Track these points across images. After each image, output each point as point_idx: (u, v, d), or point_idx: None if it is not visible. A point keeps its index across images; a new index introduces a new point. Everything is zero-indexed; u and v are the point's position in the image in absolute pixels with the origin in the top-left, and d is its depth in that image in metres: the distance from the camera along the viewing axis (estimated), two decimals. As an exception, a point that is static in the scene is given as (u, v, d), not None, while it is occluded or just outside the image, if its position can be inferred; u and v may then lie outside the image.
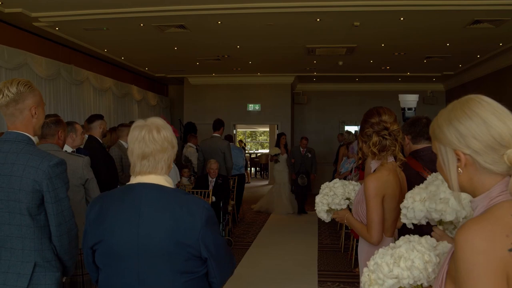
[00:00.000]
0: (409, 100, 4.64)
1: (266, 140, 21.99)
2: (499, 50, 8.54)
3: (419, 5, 5.97)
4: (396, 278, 1.34)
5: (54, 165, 2.03)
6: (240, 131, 20.78)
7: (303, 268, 5.85)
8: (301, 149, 9.39)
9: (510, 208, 1.03)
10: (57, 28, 7.19)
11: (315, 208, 2.61)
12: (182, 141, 10.10)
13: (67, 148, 3.66)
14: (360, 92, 13.19)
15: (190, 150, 8.96)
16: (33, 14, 6.42)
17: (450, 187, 1.16)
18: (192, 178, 7.96)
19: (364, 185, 2.33)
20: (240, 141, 17.37)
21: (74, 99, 8.48)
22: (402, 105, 4.64)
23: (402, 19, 6.54)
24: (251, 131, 24.24)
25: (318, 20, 6.71)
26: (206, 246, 1.63)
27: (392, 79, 12.43)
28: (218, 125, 7.51)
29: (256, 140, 24.83)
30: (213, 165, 6.92)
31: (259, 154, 18.91)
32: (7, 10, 6.16)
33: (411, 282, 1.33)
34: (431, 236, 1.49)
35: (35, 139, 2.14)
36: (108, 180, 4.34)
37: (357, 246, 2.65)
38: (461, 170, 1.12)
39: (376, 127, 2.31)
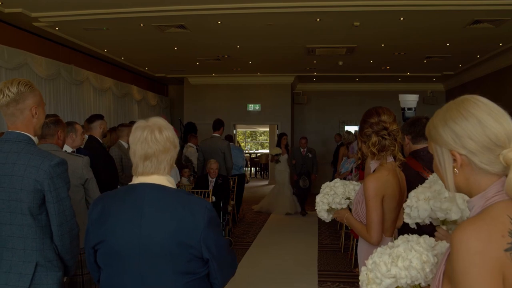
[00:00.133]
0: (409, 100, 4.64)
1: (266, 140, 21.99)
2: (499, 50, 8.54)
3: (419, 5, 5.97)
4: (393, 277, 1.34)
5: (55, 164, 2.04)
6: (240, 131, 20.78)
7: (303, 268, 5.85)
8: (302, 150, 9.35)
9: (506, 208, 1.03)
10: (57, 28, 7.19)
11: (315, 208, 2.61)
12: (183, 141, 10.10)
13: (67, 148, 3.66)
14: (360, 92, 13.19)
15: (191, 150, 8.96)
16: (33, 14, 6.42)
17: (446, 187, 1.16)
18: (192, 178, 7.96)
19: (364, 185, 2.33)
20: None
21: (74, 99, 8.48)
22: (402, 105, 4.64)
23: (402, 19, 6.54)
24: (251, 131, 24.24)
25: (318, 20, 6.72)
26: (208, 247, 1.62)
27: (392, 79, 12.43)
28: (218, 125, 7.52)
29: (256, 140, 24.82)
30: (213, 165, 6.93)
31: (259, 154, 18.90)
32: (7, 10, 6.17)
33: (409, 282, 1.33)
34: (435, 236, 1.49)
35: (35, 139, 2.15)
36: (108, 180, 4.34)
37: (357, 246, 2.65)
38: (457, 171, 1.12)
39: (375, 127, 2.32)
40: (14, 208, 2.00)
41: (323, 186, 2.61)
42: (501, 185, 1.07)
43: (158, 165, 1.68)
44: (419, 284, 1.35)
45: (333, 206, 2.52)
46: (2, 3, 5.92)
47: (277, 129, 13.15)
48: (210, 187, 6.82)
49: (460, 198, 1.43)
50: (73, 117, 7.98)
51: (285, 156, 9.50)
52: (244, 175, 9.08)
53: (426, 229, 1.73)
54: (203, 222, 1.62)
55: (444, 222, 1.64)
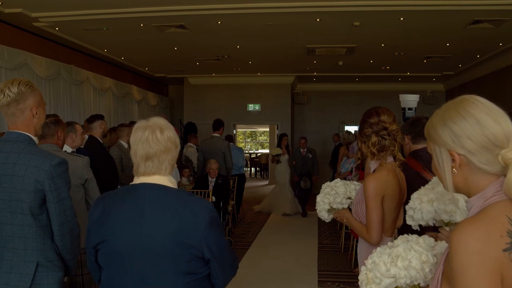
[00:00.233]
0: (410, 100, 4.63)
1: (266, 140, 21.99)
2: (499, 50, 8.54)
3: (419, 5, 5.97)
4: (393, 277, 1.34)
5: (56, 164, 2.04)
6: (240, 131, 20.78)
7: (303, 268, 5.85)
8: (301, 150, 9.32)
9: (504, 208, 1.03)
10: (57, 28, 7.19)
11: (315, 208, 2.61)
12: (183, 141, 10.10)
13: (67, 148, 3.66)
14: (360, 92, 13.18)
15: (191, 150, 8.96)
16: (33, 14, 6.42)
17: (445, 187, 1.16)
18: (191, 178, 7.96)
19: (364, 185, 2.33)
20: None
21: (74, 99, 8.48)
22: (402, 105, 4.64)
23: (402, 19, 6.54)
24: (251, 131, 24.24)
25: (318, 20, 6.72)
26: (209, 247, 1.62)
27: (392, 79, 12.43)
28: (218, 125, 7.51)
29: (256, 140, 24.83)
30: (213, 165, 6.93)
31: (259, 154, 18.90)
32: (7, 10, 6.17)
33: (408, 281, 1.33)
34: (437, 237, 1.49)
35: (35, 139, 2.15)
36: (108, 180, 4.34)
37: (357, 246, 2.65)
38: (455, 171, 1.12)
39: (375, 127, 2.31)
40: (15, 208, 2.00)
41: (324, 186, 2.60)
42: (499, 185, 1.07)
43: (159, 165, 1.67)
44: (419, 284, 1.35)
45: (334, 206, 2.52)
46: (2, 3, 5.92)
47: (277, 129, 13.14)
48: (210, 187, 6.82)
49: (463, 200, 1.42)
50: (73, 117, 7.99)
51: (286, 156, 9.45)
52: (244, 175, 9.06)
53: (426, 229, 1.73)
54: (204, 223, 1.62)
55: (448, 224, 1.63)
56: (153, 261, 1.61)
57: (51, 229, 2.07)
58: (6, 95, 2.04)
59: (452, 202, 1.57)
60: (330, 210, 2.55)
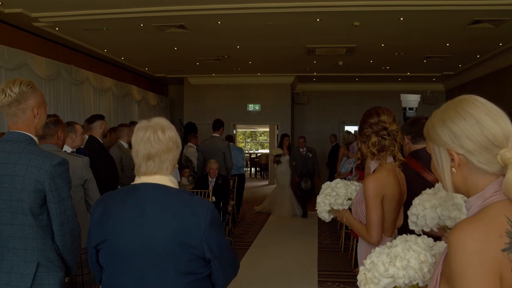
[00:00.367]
0: (411, 100, 4.63)
1: (266, 140, 21.99)
2: (499, 50, 8.55)
3: (419, 5, 5.97)
4: (391, 277, 1.34)
5: (56, 164, 2.03)
6: (240, 131, 20.78)
7: (303, 268, 5.85)
8: (301, 150, 9.21)
9: (504, 208, 1.03)
10: (57, 28, 7.20)
11: (316, 208, 2.61)
12: (183, 141, 10.08)
13: (67, 148, 3.66)
14: (360, 92, 13.19)
15: (191, 150, 8.95)
16: (33, 14, 6.43)
17: (444, 187, 1.16)
18: (191, 178, 7.96)
19: (364, 185, 2.32)
20: None
21: (74, 99, 8.49)
22: (403, 105, 4.63)
23: (402, 19, 6.55)
24: (251, 131, 24.24)
25: (318, 20, 6.72)
26: (210, 247, 1.62)
27: (392, 79, 12.44)
28: (217, 125, 7.51)
29: (256, 140, 24.83)
30: (213, 165, 6.93)
31: (259, 154, 18.90)
32: (7, 10, 6.17)
33: (407, 281, 1.33)
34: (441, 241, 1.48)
35: (36, 139, 2.15)
36: (109, 180, 4.34)
37: (357, 246, 2.65)
38: (454, 170, 1.12)
39: (375, 127, 2.31)
40: (15, 208, 1.99)
41: (324, 186, 2.59)
42: (499, 185, 1.07)
43: (161, 165, 1.68)
44: (417, 284, 1.35)
45: (335, 207, 2.51)
46: (2, 3, 5.92)
47: (277, 129, 13.15)
48: (210, 187, 6.82)
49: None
50: (73, 117, 7.99)
51: (287, 157, 9.34)
52: (244, 175, 9.05)
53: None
54: (205, 223, 1.62)
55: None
56: (153, 261, 1.61)
57: (51, 229, 2.07)
58: (7, 95, 2.04)
59: (456, 208, 1.57)
60: (331, 211, 2.55)
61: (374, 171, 2.38)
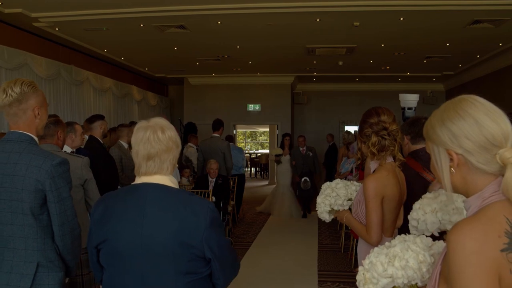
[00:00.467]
0: (410, 99, 4.63)
1: (266, 140, 22.00)
2: (499, 50, 8.55)
3: (419, 5, 5.98)
4: (390, 277, 1.34)
5: (57, 164, 2.03)
6: (240, 131, 20.78)
7: (303, 268, 5.85)
8: (301, 149, 9.11)
9: (502, 208, 1.03)
10: (57, 29, 7.20)
11: (316, 209, 2.60)
12: (183, 141, 10.09)
13: (67, 148, 3.66)
14: (360, 92, 13.19)
15: (191, 150, 8.95)
16: (33, 15, 6.43)
17: (443, 187, 1.16)
18: (191, 178, 7.96)
19: (364, 185, 2.32)
20: None
21: (74, 99, 8.49)
22: (402, 105, 4.64)
23: (402, 19, 6.55)
24: (251, 131, 24.24)
25: (318, 20, 6.72)
26: (210, 247, 1.63)
27: (392, 79, 12.44)
28: (217, 125, 7.50)
29: (256, 140, 24.83)
30: (213, 165, 6.93)
31: (259, 154, 18.91)
32: (7, 11, 6.18)
33: (405, 281, 1.33)
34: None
35: (36, 139, 2.14)
36: (109, 181, 4.34)
37: (357, 246, 2.65)
38: (453, 170, 1.12)
39: (375, 127, 2.31)
40: (16, 208, 1.99)
41: (324, 186, 2.59)
42: (498, 185, 1.07)
43: (161, 164, 1.68)
44: (416, 284, 1.35)
45: (335, 208, 2.51)
46: (2, 3, 5.93)
47: (277, 129, 13.15)
48: (210, 187, 6.82)
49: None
50: (73, 117, 7.99)
51: (287, 156, 9.24)
52: (244, 175, 9.03)
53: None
54: (205, 222, 1.62)
55: None
56: (153, 261, 1.61)
57: (51, 229, 2.06)
58: (8, 95, 2.04)
59: (457, 212, 1.56)
60: (331, 211, 2.55)
61: (374, 171, 2.38)
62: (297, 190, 9.24)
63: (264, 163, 17.22)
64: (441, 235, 1.66)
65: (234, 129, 13.37)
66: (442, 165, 1.14)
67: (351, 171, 7.00)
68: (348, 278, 5.35)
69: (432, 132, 1.17)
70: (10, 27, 6.82)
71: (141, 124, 1.72)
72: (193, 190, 6.57)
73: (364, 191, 2.30)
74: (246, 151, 19.32)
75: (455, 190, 1.15)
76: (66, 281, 2.20)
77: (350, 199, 2.52)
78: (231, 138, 9.98)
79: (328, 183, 2.61)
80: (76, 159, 3.13)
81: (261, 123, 14.18)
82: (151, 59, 10.12)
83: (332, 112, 13.67)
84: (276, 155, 9.39)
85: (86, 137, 4.61)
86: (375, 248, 1.43)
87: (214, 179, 6.95)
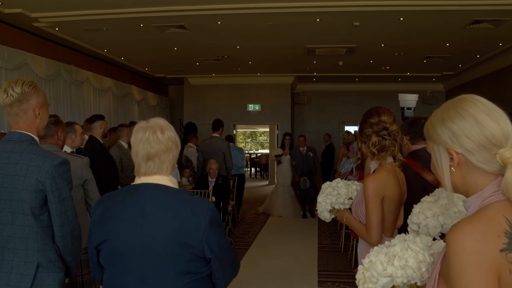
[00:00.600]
0: (409, 99, 4.63)
1: (266, 140, 22.00)
2: (499, 50, 8.55)
3: (419, 5, 5.98)
4: (389, 276, 1.34)
5: (57, 164, 2.03)
6: (240, 131, 20.79)
7: (303, 268, 5.85)
8: (301, 149, 9.07)
9: (502, 208, 1.03)
10: (57, 29, 7.20)
11: (316, 208, 2.60)
12: (183, 141, 10.11)
13: (67, 148, 3.66)
14: (360, 92, 13.20)
15: (191, 150, 8.95)
16: (33, 15, 6.43)
17: (443, 186, 1.16)
18: (191, 178, 7.96)
19: (364, 186, 2.32)
20: None
21: (74, 99, 8.49)
22: (401, 105, 4.64)
23: (402, 19, 6.55)
24: (251, 131, 24.25)
25: (318, 20, 6.72)
26: (210, 247, 1.63)
27: (392, 79, 12.44)
28: (217, 125, 7.50)
29: (256, 140, 24.84)
30: (213, 165, 6.92)
31: (259, 154, 18.91)
32: (7, 11, 6.18)
33: (405, 281, 1.33)
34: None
35: (37, 139, 2.14)
36: (109, 181, 4.34)
37: (357, 246, 2.65)
38: (454, 169, 1.13)
39: (376, 127, 2.31)
40: (16, 208, 1.99)
41: (324, 186, 2.59)
42: (497, 185, 1.07)
43: (160, 165, 1.68)
44: (415, 283, 1.35)
45: (336, 207, 2.51)
46: (2, 3, 5.93)
47: (277, 129, 13.15)
48: (210, 187, 6.82)
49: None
50: (73, 117, 7.99)
51: (288, 156, 9.19)
52: (244, 175, 9.02)
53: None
54: (205, 222, 1.62)
55: None
56: (153, 261, 1.61)
57: (52, 230, 2.06)
58: (9, 95, 2.04)
59: (459, 216, 1.55)
60: (332, 210, 2.55)
61: (374, 171, 2.38)
62: (297, 190, 9.22)
63: (264, 163, 17.22)
64: (441, 236, 1.66)
65: (234, 129, 13.37)
66: (442, 164, 1.14)
67: (351, 171, 7.00)
68: (348, 278, 5.35)
69: (433, 132, 1.17)
70: (10, 27, 6.82)
71: (140, 124, 1.72)
72: (193, 190, 6.57)
73: (364, 191, 2.30)
74: (246, 151, 19.33)
75: (455, 189, 1.15)
76: (66, 281, 2.20)
77: (351, 198, 2.52)
78: (231, 138, 9.97)
79: (328, 182, 2.61)
80: (76, 159, 3.13)
81: (261, 123, 14.18)
82: (151, 59, 10.12)
83: (332, 112, 13.67)
84: (276, 156, 9.35)
85: (86, 137, 4.61)
86: (375, 247, 1.43)
87: (214, 179, 6.95)
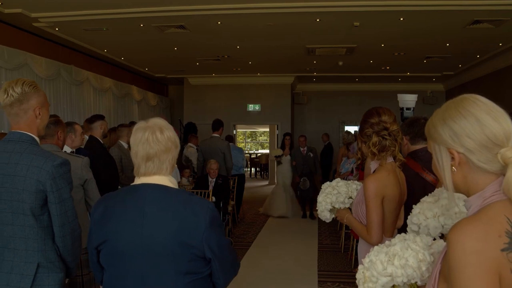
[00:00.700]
0: (408, 100, 4.65)
1: (266, 140, 22.00)
2: (499, 50, 8.55)
3: (419, 5, 5.98)
4: (390, 276, 1.34)
5: (57, 165, 2.03)
6: (240, 131, 20.79)
7: (303, 268, 5.85)
8: (301, 149, 9.02)
9: (503, 208, 1.03)
10: (57, 29, 7.20)
11: (317, 208, 2.60)
12: (183, 141, 10.11)
13: (66, 148, 3.65)
14: (360, 92, 13.20)
15: (191, 150, 8.95)
16: (33, 15, 6.43)
17: (444, 186, 1.16)
18: (191, 178, 7.96)
19: (364, 186, 2.32)
20: None
21: (74, 99, 8.49)
22: (400, 105, 4.65)
23: (402, 19, 6.55)
24: (251, 131, 24.25)
25: (318, 20, 6.72)
26: (210, 247, 1.63)
27: (392, 79, 12.44)
28: (217, 125, 7.50)
29: (256, 140, 24.84)
30: (213, 165, 6.92)
31: (259, 154, 18.91)
32: (7, 11, 6.18)
33: (405, 280, 1.32)
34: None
35: (38, 139, 2.14)
36: (109, 181, 4.33)
37: (357, 246, 2.64)
38: (455, 169, 1.13)
39: (376, 127, 2.31)
40: (16, 208, 1.99)
41: (324, 185, 2.59)
42: (499, 184, 1.07)
43: (160, 165, 1.68)
44: (415, 282, 1.35)
45: (336, 206, 2.51)
46: (2, 3, 5.93)
47: (277, 129, 13.15)
48: (210, 187, 6.82)
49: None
50: (73, 117, 7.99)
51: (288, 157, 9.13)
52: (244, 175, 9.01)
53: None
54: (205, 222, 1.62)
55: None
56: (153, 261, 1.61)
57: (52, 230, 2.06)
58: (9, 95, 2.04)
59: (460, 216, 1.55)
60: (332, 210, 2.55)
61: (374, 172, 2.38)
62: (297, 190, 9.19)
63: (264, 163, 17.22)
64: (441, 236, 1.66)
65: (234, 129, 13.37)
66: (443, 164, 1.14)
67: (352, 171, 6.99)
68: (348, 278, 5.36)
69: (434, 131, 1.17)
70: (10, 27, 6.82)
71: (139, 124, 1.72)
72: (193, 190, 6.57)
73: (364, 191, 2.30)
74: (246, 151, 19.33)
75: (456, 189, 1.15)
76: (66, 281, 2.20)
77: (351, 197, 2.52)
78: (231, 138, 9.96)
79: (328, 182, 2.62)
80: (76, 159, 3.12)
81: (261, 123, 14.18)
82: (151, 59, 10.12)
83: (332, 112, 13.67)
84: (276, 156, 9.28)
85: (86, 137, 4.61)
86: (375, 247, 1.43)
87: (214, 179, 6.95)
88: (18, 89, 2.04)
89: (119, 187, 4.59)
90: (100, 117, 4.72)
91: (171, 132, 1.72)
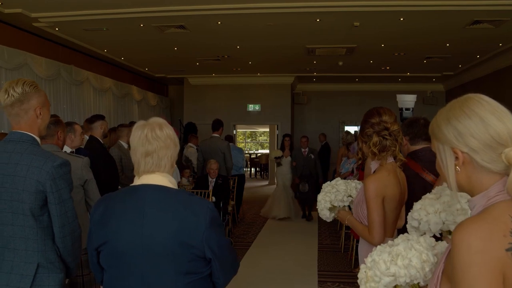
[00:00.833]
0: (407, 100, 4.65)
1: (266, 140, 22.00)
2: (499, 50, 8.55)
3: (419, 5, 5.98)
4: (392, 276, 1.33)
5: (58, 165, 2.03)
6: (240, 131, 20.78)
7: (303, 268, 5.84)
8: (303, 150, 8.90)
9: (507, 208, 1.03)
10: (57, 29, 7.20)
11: (317, 207, 2.60)
12: (183, 141, 10.11)
13: (66, 148, 3.65)
14: (360, 92, 13.20)
15: (191, 150, 8.95)
16: (33, 15, 6.43)
17: (448, 186, 1.16)
18: (191, 178, 7.95)
19: (364, 186, 2.32)
20: None
21: (74, 99, 8.49)
22: (400, 105, 4.66)
23: (402, 19, 6.55)
24: (251, 132, 24.25)
25: (318, 20, 6.72)
26: (210, 247, 1.63)
27: (392, 79, 12.44)
28: (217, 125, 7.49)
29: (256, 140, 24.84)
30: (213, 165, 6.92)
31: (259, 154, 18.91)
32: (7, 11, 6.17)
33: (408, 280, 1.32)
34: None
35: (38, 140, 2.14)
36: (109, 181, 4.33)
37: (357, 246, 2.64)
38: (459, 169, 1.12)
39: (377, 127, 2.31)
40: (16, 208, 1.99)
41: (324, 185, 2.60)
42: (503, 184, 1.07)
43: (159, 161, 1.68)
44: (418, 283, 1.34)
45: (335, 204, 2.51)
46: (2, 3, 5.93)
47: (277, 129, 13.14)
48: (210, 188, 6.82)
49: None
50: (73, 117, 7.99)
51: (288, 158, 9.02)
52: (244, 175, 8.98)
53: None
54: (205, 222, 1.62)
55: (450, 232, 1.59)
56: (154, 261, 1.61)
57: (52, 230, 2.06)
58: (10, 95, 2.03)
59: (462, 213, 1.55)
60: (332, 208, 2.54)
61: (374, 172, 2.37)
62: (296, 192, 9.11)
63: (264, 163, 17.22)
64: (440, 234, 1.65)
65: (234, 129, 13.37)
66: (447, 163, 1.14)
67: (352, 171, 6.99)
68: (348, 278, 5.35)
69: (438, 131, 1.16)
70: (10, 27, 6.82)
71: (139, 123, 1.73)
72: (193, 190, 6.56)
73: (364, 191, 2.30)
74: (246, 151, 19.32)
75: (460, 188, 1.15)
76: (66, 282, 2.20)
77: (350, 196, 2.52)
78: (231, 138, 9.94)
79: (328, 182, 2.62)
80: (76, 160, 3.12)
81: (261, 123, 14.19)
82: (151, 59, 10.12)
83: (332, 112, 13.68)
84: (276, 157, 9.16)
85: (86, 137, 4.60)
86: (378, 246, 1.42)
87: (214, 179, 6.95)
88: (18, 89, 2.04)
89: (119, 187, 4.59)
90: (100, 117, 4.71)
91: (170, 130, 1.73)
